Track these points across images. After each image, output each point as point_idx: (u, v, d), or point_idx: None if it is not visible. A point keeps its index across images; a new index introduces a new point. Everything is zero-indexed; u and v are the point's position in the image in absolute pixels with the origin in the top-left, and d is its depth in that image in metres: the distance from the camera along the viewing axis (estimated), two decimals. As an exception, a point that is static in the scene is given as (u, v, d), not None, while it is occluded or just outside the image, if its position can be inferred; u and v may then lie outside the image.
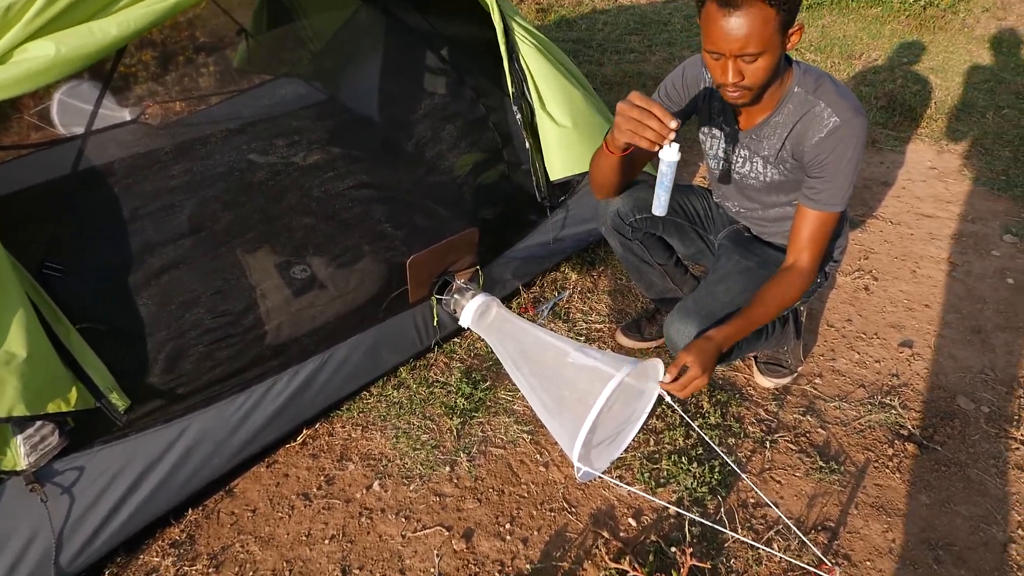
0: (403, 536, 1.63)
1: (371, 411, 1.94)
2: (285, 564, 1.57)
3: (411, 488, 1.74)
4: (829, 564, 1.51)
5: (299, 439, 1.84)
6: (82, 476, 1.42)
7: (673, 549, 1.56)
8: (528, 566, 1.56)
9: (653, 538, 1.60)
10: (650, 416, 1.87)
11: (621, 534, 1.62)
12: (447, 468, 1.78)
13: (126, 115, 1.90)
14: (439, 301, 2.00)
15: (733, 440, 1.85)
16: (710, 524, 1.57)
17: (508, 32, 2.00)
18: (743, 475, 1.62)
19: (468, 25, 2.12)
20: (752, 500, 1.69)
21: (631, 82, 4.12)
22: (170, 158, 1.75)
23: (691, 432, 1.84)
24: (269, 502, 1.70)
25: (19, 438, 1.29)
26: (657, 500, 1.67)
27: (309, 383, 1.78)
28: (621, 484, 1.65)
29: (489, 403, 1.97)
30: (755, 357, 2.06)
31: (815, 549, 1.53)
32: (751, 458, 1.80)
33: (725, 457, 1.61)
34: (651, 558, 1.54)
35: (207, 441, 1.60)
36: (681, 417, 1.85)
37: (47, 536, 1.38)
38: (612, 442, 1.67)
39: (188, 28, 2.06)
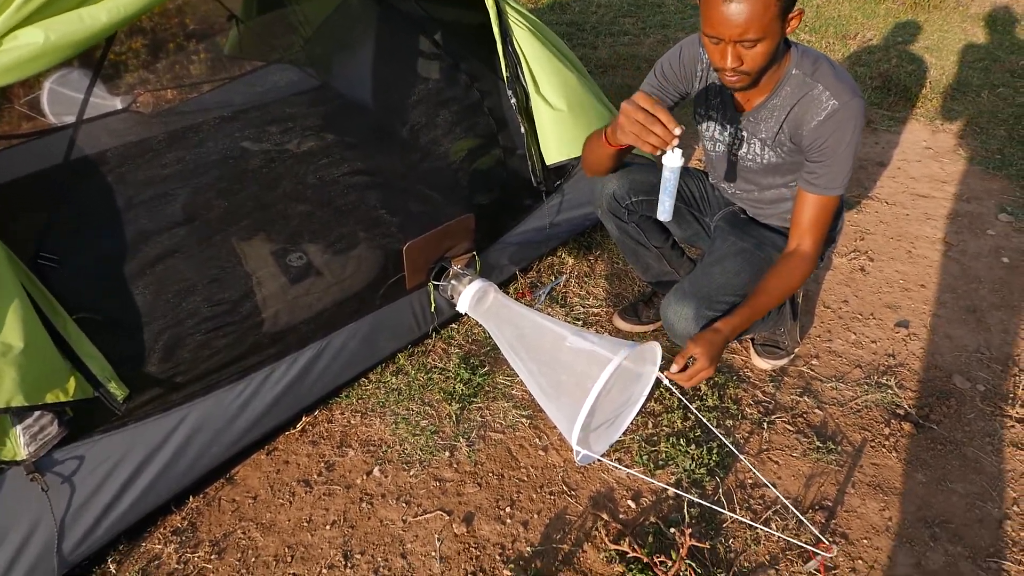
0: (404, 521, 1.63)
1: (370, 397, 1.94)
2: (287, 550, 1.58)
3: (411, 473, 1.74)
4: (827, 543, 1.53)
5: (298, 426, 1.85)
6: (82, 465, 1.42)
7: (672, 530, 1.57)
8: (529, 549, 1.57)
9: (652, 519, 1.62)
10: (648, 399, 1.88)
11: (620, 516, 1.64)
12: (447, 453, 1.79)
13: (117, 104, 1.88)
14: (436, 287, 2.00)
15: (731, 422, 1.86)
16: (708, 505, 1.59)
17: (501, 15, 1.98)
18: (741, 456, 1.63)
19: (461, 9, 2.10)
20: (750, 481, 1.70)
21: (625, 64, 4.10)
22: (163, 146, 1.74)
23: (689, 414, 1.85)
24: (270, 489, 1.71)
25: (18, 428, 1.29)
26: (656, 482, 1.68)
27: (307, 370, 1.78)
28: (620, 467, 1.66)
29: (488, 388, 1.98)
30: (752, 339, 2.07)
31: (813, 528, 1.55)
32: (749, 439, 1.82)
33: (723, 439, 1.62)
34: (650, 539, 1.55)
35: (206, 429, 1.61)
36: (679, 399, 1.86)
37: (49, 525, 1.38)
38: (611, 425, 1.67)
39: (178, 15, 2.04)
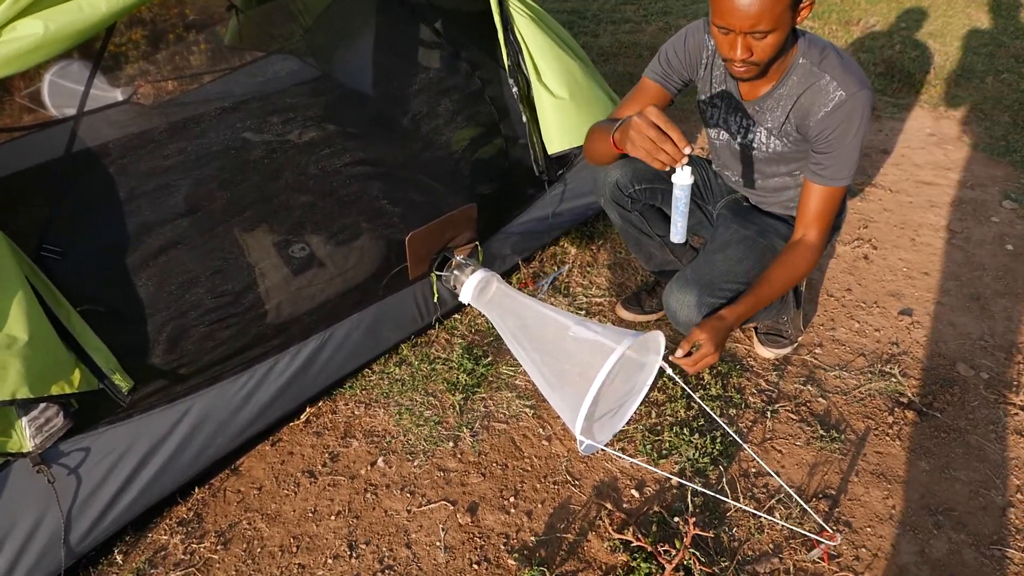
0: (408, 511, 1.64)
1: (373, 388, 1.95)
2: (292, 540, 1.58)
3: (415, 464, 1.75)
4: (830, 531, 1.53)
5: (302, 417, 1.85)
6: (88, 457, 1.43)
7: (676, 519, 1.57)
8: (533, 538, 1.57)
9: (656, 509, 1.62)
10: (651, 388, 1.88)
11: (624, 505, 1.64)
12: (450, 443, 1.80)
13: (118, 95, 1.87)
14: (439, 277, 1.99)
15: (734, 411, 1.86)
16: (712, 494, 1.59)
17: (502, 3, 1.97)
18: (744, 445, 1.63)
19: (462, -4, 2.09)
20: (753, 470, 1.71)
21: (627, 52, 4.08)
22: (164, 138, 1.73)
23: (692, 404, 1.85)
24: (275, 480, 1.71)
25: (24, 420, 1.29)
26: (659, 471, 1.68)
27: (311, 361, 1.78)
28: (624, 456, 1.66)
29: (491, 378, 1.98)
30: (755, 328, 2.07)
31: (816, 517, 1.55)
32: (752, 428, 1.82)
33: (726, 428, 1.62)
34: (654, 528, 1.56)
35: (211, 421, 1.61)
36: (682, 389, 1.86)
37: (55, 516, 1.39)
38: (614, 415, 1.68)
39: (178, 5, 2.03)
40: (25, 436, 1.30)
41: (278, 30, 2.31)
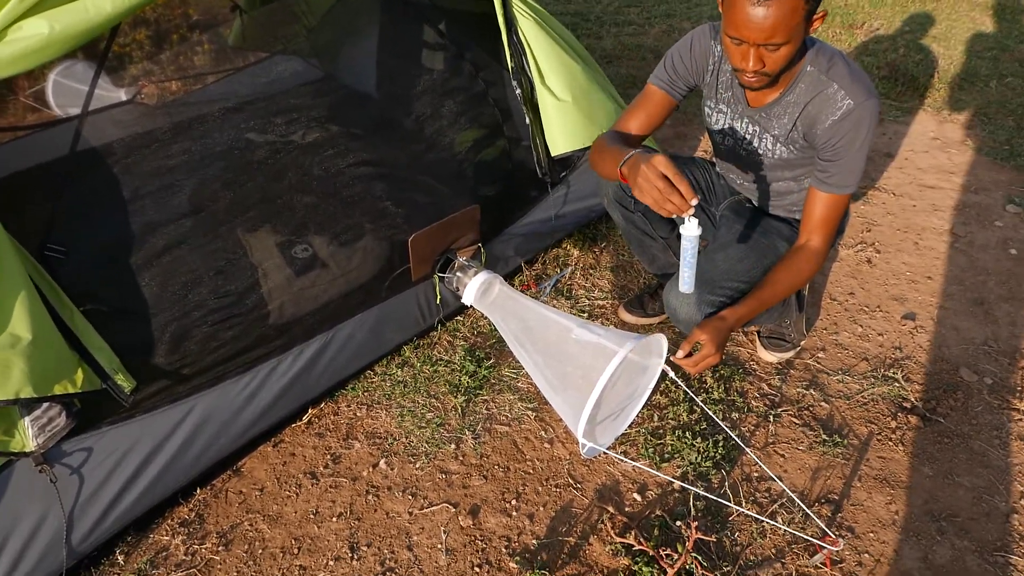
0: (410, 513, 1.64)
1: (376, 390, 1.95)
2: (294, 541, 1.58)
3: (417, 466, 1.75)
4: (833, 536, 1.53)
5: (304, 418, 1.85)
6: (90, 457, 1.43)
7: (678, 523, 1.57)
8: (534, 541, 1.57)
9: (658, 512, 1.62)
10: (654, 392, 1.88)
11: (626, 509, 1.64)
12: (452, 446, 1.79)
13: (122, 95, 1.88)
14: (441, 279, 1.99)
15: (737, 415, 1.86)
16: (714, 498, 1.59)
17: (506, 5, 1.97)
18: (747, 449, 1.63)
19: (465, -2, 2.09)
20: (756, 474, 1.70)
21: (631, 55, 4.07)
22: (168, 138, 1.73)
23: (695, 407, 1.84)
24: (276, 481, 1.71)
25: (27, 420, 1.29)
26: (662, 475, 1.68)
27: (313, 363, 1.78)
28: (626, 459, 1.66)
29: (493, 381, 1.98)
30: (758, 332, 2.07)
31: (819, 521, 1.55)
32: (755, 432, 1.81)
33: (729, 432, 1.62)
34: (656, 532, 1.55)
35: (213, 421, 1.61)
36: (685, 392, 1.85)
37: (58, 516, 1.39)
38: (616, 418, 1.67)
39: (181, 5, 2.03)
40: (28, 436, 1.30)
41: (282, 31, 2.31)
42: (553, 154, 2.12)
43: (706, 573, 1.43)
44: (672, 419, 1.83)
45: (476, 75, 2.17)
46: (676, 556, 1.43)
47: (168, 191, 1.65)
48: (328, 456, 1.77)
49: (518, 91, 2.06)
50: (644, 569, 1.45)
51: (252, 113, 1.91)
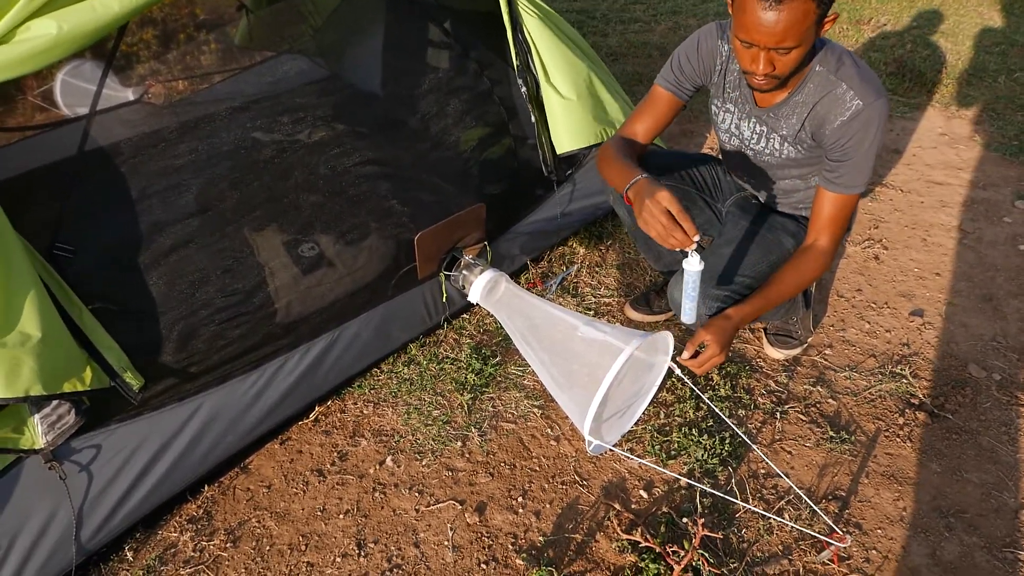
0: (417, 510, 1.64)
1: (382, 388, 1.95)
2: (301, 539, 1.59)
3: (423, 463, 1.75)
4: (840, 533, 1.52)
5: (312, 416, 1.86)
6: (99, 454, 1.44)
7: (685, 520, 1.57)
8: (541, 538, 1.57)
9: (665, 509, 1.62)
10: (660, 389, 1.88)
11: (633, 506, 1.64)
12: (459, 443, 1.80)
13: (129, 95, 1.88)
14: (447, 277, 2.00)
15: (743, 412, 1.85)
16: (721, 495, 1.59)
17: (511, 3, 1.97)
18: (753, 446, 1.63)
19: (470, -4, 2.09)
20: (763, 471, 1.70)
21: (637, 52, 4.07)
22: (175, 137, 1.74)
23: (701, 404, 1.84)
24: (284, 478, 1.72)
25: (36, 417, 1.30)
26: (668, 472, 1.68)
27: (320, 361, 1.79)
28: (632, 457, 1.66)
29: (499, 378, 1.98)
30: (765, 329, 2.06)
31: (826, 518, 1.54)
32: (761, 429, 1.81)
33: (735, 429, 1.61)
34: (663, 529, 1.55)
35: (221, 419, 1.62)
36: (691, 389, 1.85)
37: (67, 513, 1.40)
38: (623, 415, 1.67)
39: (188, 5, 2.04)
40: (37, 433, 1.31)
41: (288, 30, 2.32)
42: (558, 152, 2.12)
43: (713, 570, 1.43)
44: (678, 416, 1.83)
45: (481, 73, 2.17)
46: (683, 553, 1.43)
47: (175, 190, 1.66)
48: (335, 453, 1.78)
49: (523, 89, 2.06)
50: (651, 566, 1.45)
51: (258, 112, 1.92)
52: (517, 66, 2.03)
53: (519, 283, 2.24)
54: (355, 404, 1.91)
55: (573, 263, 2.40)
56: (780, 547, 1.53)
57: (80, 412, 1.36)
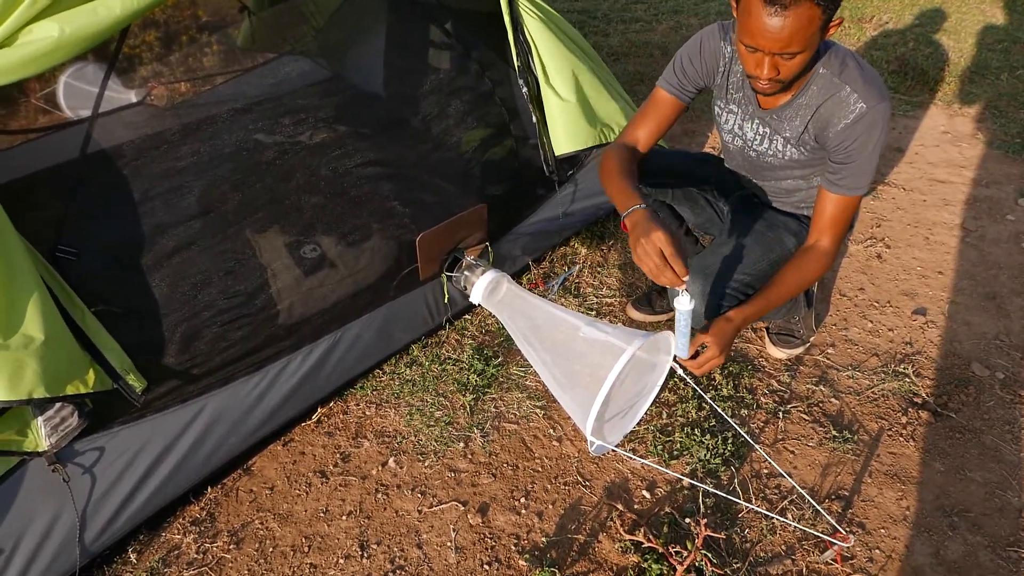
0: (419, 511, 1.64)
1: (384, 389, 1.95)
2: (304, 540, 1.59)
3: (426, 464, 1.75)
4: (843, 532, 1.52)
5: (314, 417, 1.86)
6: (103, 456, 1.44)
7: (687, 520, 1.57)
8: (544, 539, 1.57)
9: (667, 510, 1.62)
10: (662, 389, 1.88)
11: (635, 506, 1.64)
12: (461, 444, 1.80)
13: (132, 97, 1.89)
14: (449, 278, 2.00)
15: (746, 411, 1.85)
16: (724, 495, 1.58)
17: (512, 4, 1.97)
18: (756, 446, 1.62)
19: (471, -4, 2.09)
20: (766, 471, 1.70)
21: (638, 52, 4.07)
22: (177, 139, 1.74)
23: (704, 404, 1.84)
24: (286, 479, 1.72)
25: (40, 420, 1.30)
26: (671, 472, 1.67)
27: (322, 362, 1.79)
28: (634, 457, 1.66)
29: (501, 379, 1.98)
30: (767, 328, 2.06)
31: (829, 518, 1.54)
32: (764, 429, 1.81)
33: (738, 428, 1.61)
34: (665, 529, 1.55)
35: (223, 421, 1.62)
36: (693, 389, 1.85)
37: (71, 515, 1.40)
38: (625, 415, 1.67)
39: (190, 7, 2.04)
40: (41, 435, 1.31)
41: (290, 31, 2.32)
42: (557, 153, 2.12)
43: (716, 570, 1.43)
44: (681, 416, 1.83)
45: (483, 74, 2.17)
46: (686, 553, 1.43)
47: (177, 192, 1.66)
48: (337, 455, 1.78)
49: (524, 90, 2.06)
50: (653, 566, 1.45)
51: (260, 114, 1.92)
52: (518, 66, 2.03)
53: (521, 284, 2.24)
54: (357, 405, 1.91)
55: (575, 263, 2.40)
56: (783, 547, 1.53)
57: (83, 414, 1.36)
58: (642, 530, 1.53)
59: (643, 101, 1.74)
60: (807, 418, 1.83)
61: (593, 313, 2.20)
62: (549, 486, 1.69)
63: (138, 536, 1.57)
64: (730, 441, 1.74)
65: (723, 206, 1.95)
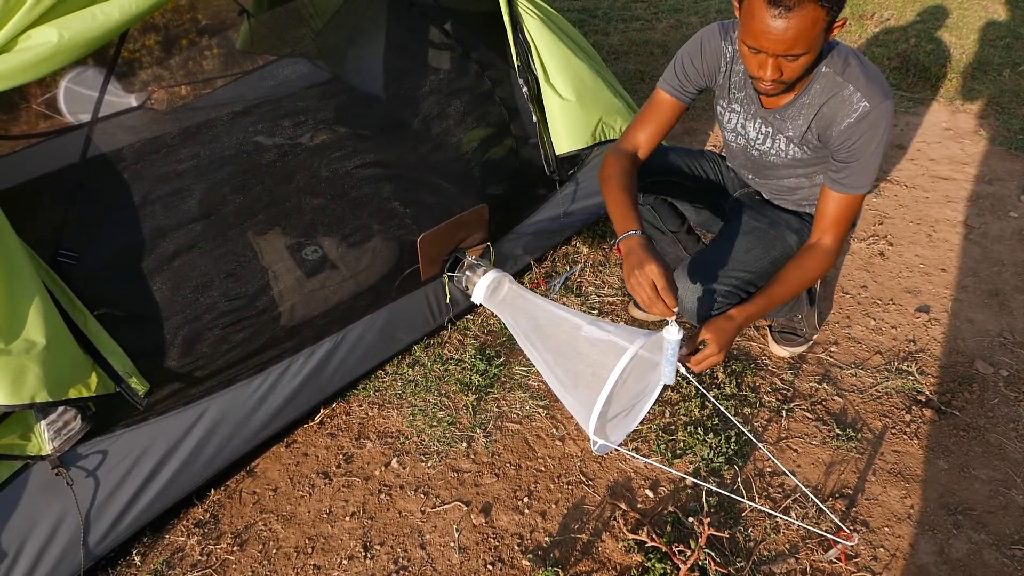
0: (422, 512, 1.64)
1: (387, 389, 1.95)
2: (307, 541, 1.59)
3: (429, 464, 1.75)
4: (847, 531, 1.52)
5: (317, 419, 1.86)
6: (106, 460, 1.44)
7: (691, 519, 1.57)
8: (547, 539, 1.57)
9: (671, 509, 1.61)
10: (665, 388, 1.87)
11: (639, 505, 1.63)
12: (464, 444, 1.80)
13: (132, 101, 1.89)
14: (451, 278, 2.00)
15: (749, 410, 1.85)
16: (727, 494, 1.58)
17: (511, 3, 1.96)
18: (759, 444, 1.62)
19: (470, -4, 2.09)
20: (769, 469, 1.69)
21: (638, 51, 4.06)
22: (177, 142, 1.74)
23: (706, 403, 1.84)
24: (290, 481, 1.72)
25: (43, 424, 1.31)
26: (674, 471, 1.67)
27: (324, 363, 1.79)
28: (637, 456, 1.66)
29: (504, 379, 1.98)
30: (769, 326, 2.06)
31: (833, 516, 1.54)
32: (767, 427, 1.80)
33: (741, 427, 1.61)
34: (669, 528, 1.55)
35: (226, 423, 1.62)
36: (696, 388, 1.85)
37: (75, 518, 1.40)
38: (628, 414, 1.67)
39: (190, 10, 2.04)
40: (44, 439, 1.32)
41: (289, 34, 2.32)
42: (558, 153, 2.11)
43: (719, 569, 1.43)
44: (684, 415, 1.83)
45: (482, 74, 2.17)
46: (689, 552, 1.43)
47: (178, 196, 1.66)
48: (340, 456, 1.78)
49: (524, 89, 2.06)
50: (657, 565, 1.45)
51: (260, 116, 1.92)
52: (518, 66, 2.03)
53: (522, 283, 2.24)
54: (360, 406, 1.91)
55: (576, 262, 2.39)
56: (787, 546, 1.53)
57: (86, 418, 1.36)
58: (645, 529, 1.53)
59: (643, 100, 1.74)
60: (810, 416, 1.83)
61: (595, 312, 2.19)
62: (552, 486, 1.69)
63: (142, 538, 1.58)
64: (733, 440, 1.73)
65: (725, 204, 1.95)
